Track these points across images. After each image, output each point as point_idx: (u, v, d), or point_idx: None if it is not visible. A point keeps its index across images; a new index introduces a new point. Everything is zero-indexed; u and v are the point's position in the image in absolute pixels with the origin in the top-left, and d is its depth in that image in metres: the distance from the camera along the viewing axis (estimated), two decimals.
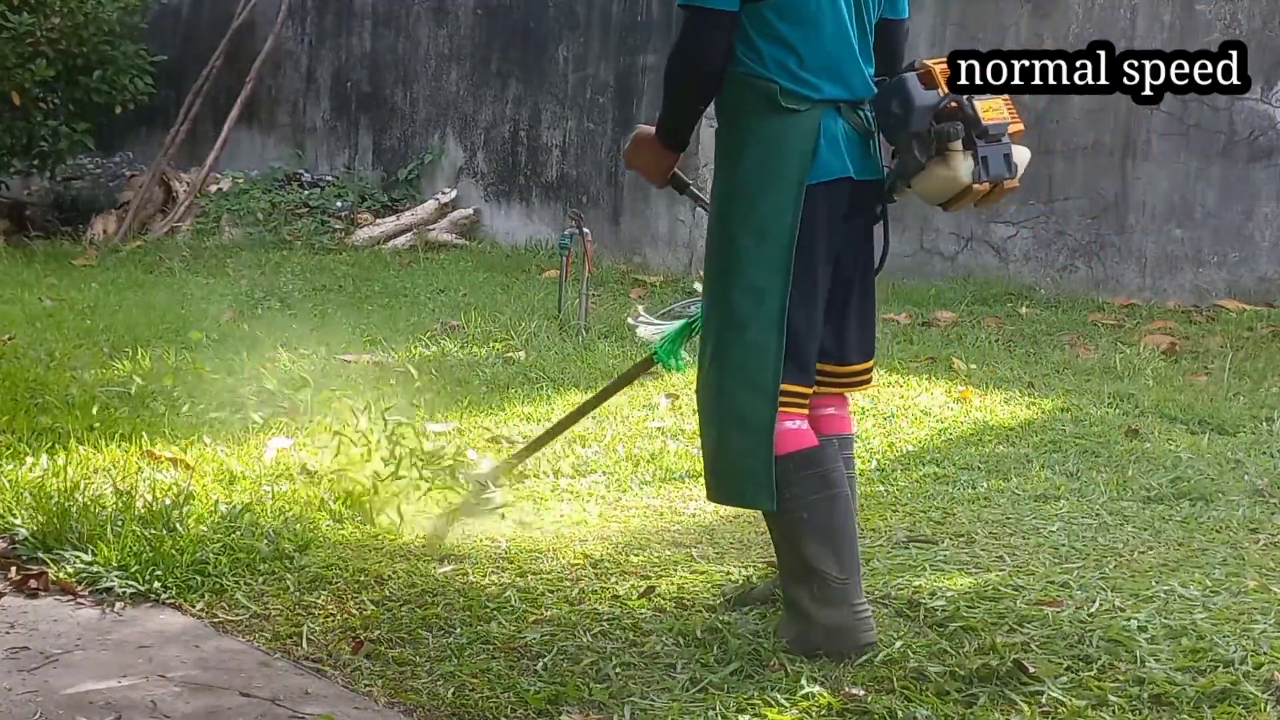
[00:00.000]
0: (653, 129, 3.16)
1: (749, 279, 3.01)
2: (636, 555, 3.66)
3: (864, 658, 2.96)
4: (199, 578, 3.44)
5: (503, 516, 3.97)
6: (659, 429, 4.98)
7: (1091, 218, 8.05)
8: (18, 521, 3.74)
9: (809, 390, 3.08)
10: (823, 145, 2.99)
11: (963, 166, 2.99)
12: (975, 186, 3.00)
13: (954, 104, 2.98)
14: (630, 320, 3.87)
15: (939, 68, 3.02)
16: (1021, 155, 3.07)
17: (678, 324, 3.61)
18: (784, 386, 3.00)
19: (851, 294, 3.15)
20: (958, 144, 2.96)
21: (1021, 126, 3.09)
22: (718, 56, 2.97)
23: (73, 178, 11.52)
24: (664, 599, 3.33)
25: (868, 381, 3.27)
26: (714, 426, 3.08)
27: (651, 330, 3.68)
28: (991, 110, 3.01)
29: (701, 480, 4.37)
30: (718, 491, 3.14)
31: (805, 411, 3.08)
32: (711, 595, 3.36)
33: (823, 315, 3.08)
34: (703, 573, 3.52)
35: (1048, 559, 3.67)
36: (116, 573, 3.41)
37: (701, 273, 3.18)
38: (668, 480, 4.45)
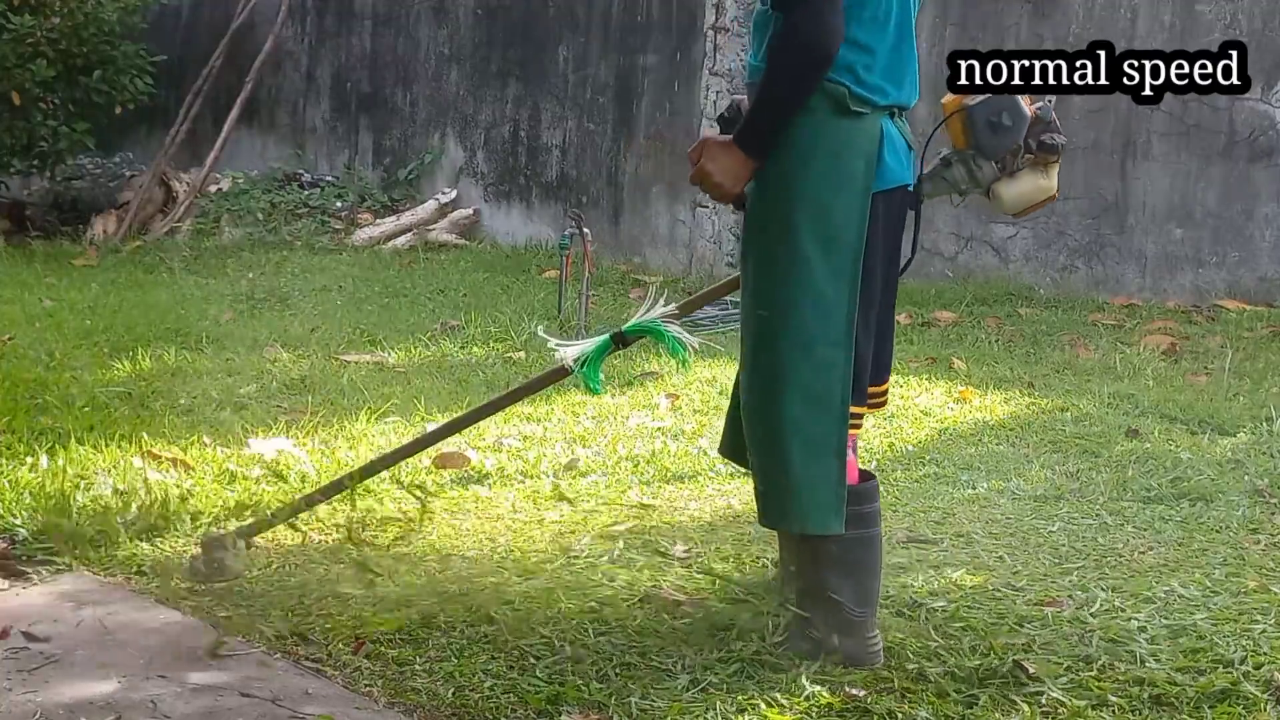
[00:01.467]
0: (727, 138, 2.93)
1: (818, 291, 2.86)
2: (636, 555, 3.66)
3: None
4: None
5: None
6: (659, 429, 4.98)
7: (1092, 218, 8.05)
8: (18, 521, 3.74)
9: (863, 411, 3.03)
10: (886, 151, 2.92)
11: (1055, 176, 3.07)
12: (1055, 195, 3.10)
13: (1048, 117, 3.06)
14: (550, 344, 3.75)
15: None
16: None
17: (597, 341, 3.49)
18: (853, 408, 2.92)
19: (885, 308, 3.08)
20: (1057, 155, 3.04)
21: None
22: (836, 42, 2.79)
23: (73, 178, 11.51)
24: (664, 599, 3.33)
25: (884, 403, 3.22)
26: (774, 449, 2.92)
27: (568, 351, 3.52)
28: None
29: (700, 480, 4.40)
30: (777, 517, 2.99)
31: (855, 435, 3.03)
32: (712, 595, 3.36)
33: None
34: (703, 573, 3.52)
35: (1048, 559, 3.67)
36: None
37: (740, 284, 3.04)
38: (668, 480, 4.44)
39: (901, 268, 3.13)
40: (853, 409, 2.93)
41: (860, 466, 3.12)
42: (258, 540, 3.70)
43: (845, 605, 2.96)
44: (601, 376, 3.57)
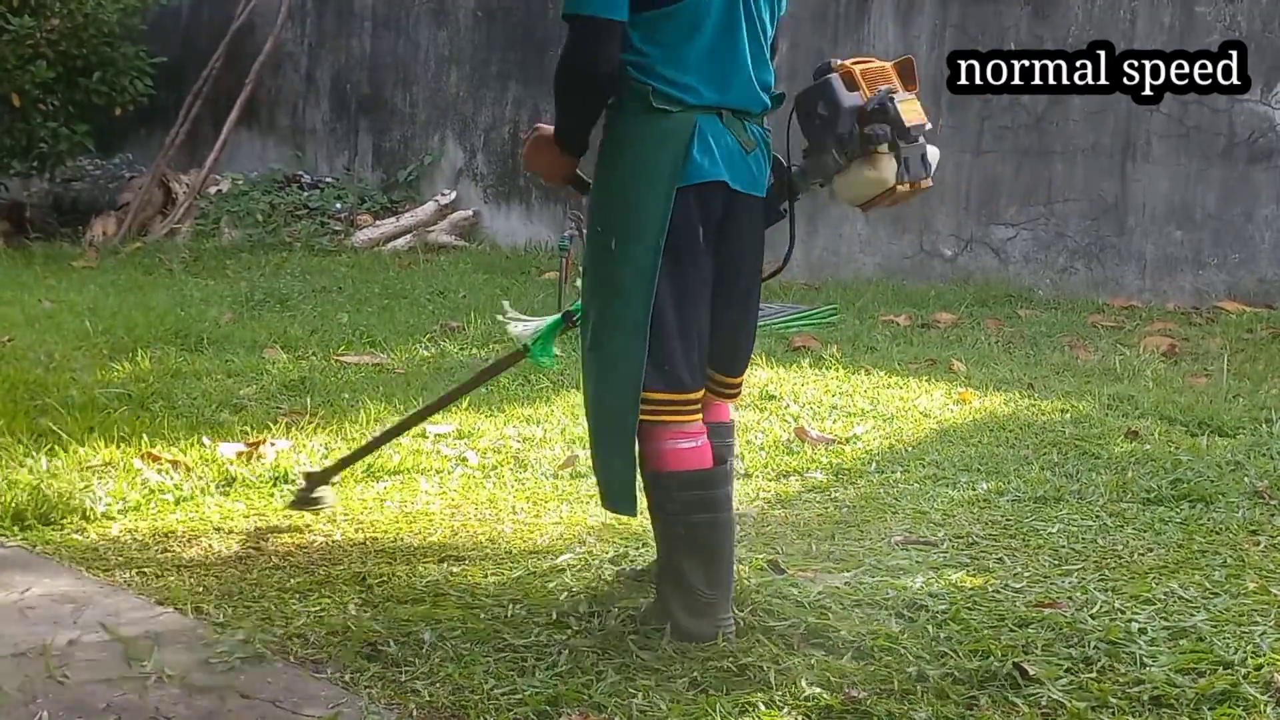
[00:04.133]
0: (553, 129, 3.13)
1: (619, 281, 3.01)
2: (637, 556, 3.66)
3: (864, 660, 2.97)
4: (200, 579, 3.45)
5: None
6: None
7: (1091, 219, 8.05)
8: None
9: (686, 397, 3.07)
10: (695, 148, 2.98)
11: (888, 168, 3.02)
12: (899, 188, 3.03)
13: (877, 106, 3.00)
14: (500, 317, 3.88)
15: (859, 69, 3.04)
16: (934, 154, 3.09)
17: (549, 320, 3.64)
18: (650, 394, 3.01)
19: (746, 307, 3.19)
20: (885, 146, 3.00)
21: (929, 125, 3.11)
22: (607, 65, 2.95)
23: (72, 179, 11.52)
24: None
25: (737, 394, 3.33)
26: (591, 426, 3.14)
27: (522, 328, 3.69)
28: (911, 112, 3.02)
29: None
30: (600, 494, 3.18)
31: (692, 422, 3.08)
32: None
33: (706, 322, 3.09)
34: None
35: (1048, 561, 3.67)
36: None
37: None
38: None
39: (781, 265, 3.22)
40: (669, 395, 3.02)
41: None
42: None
43: (696, 588, 3.05)
44: (556, 353, 3.72)
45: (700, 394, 3.10)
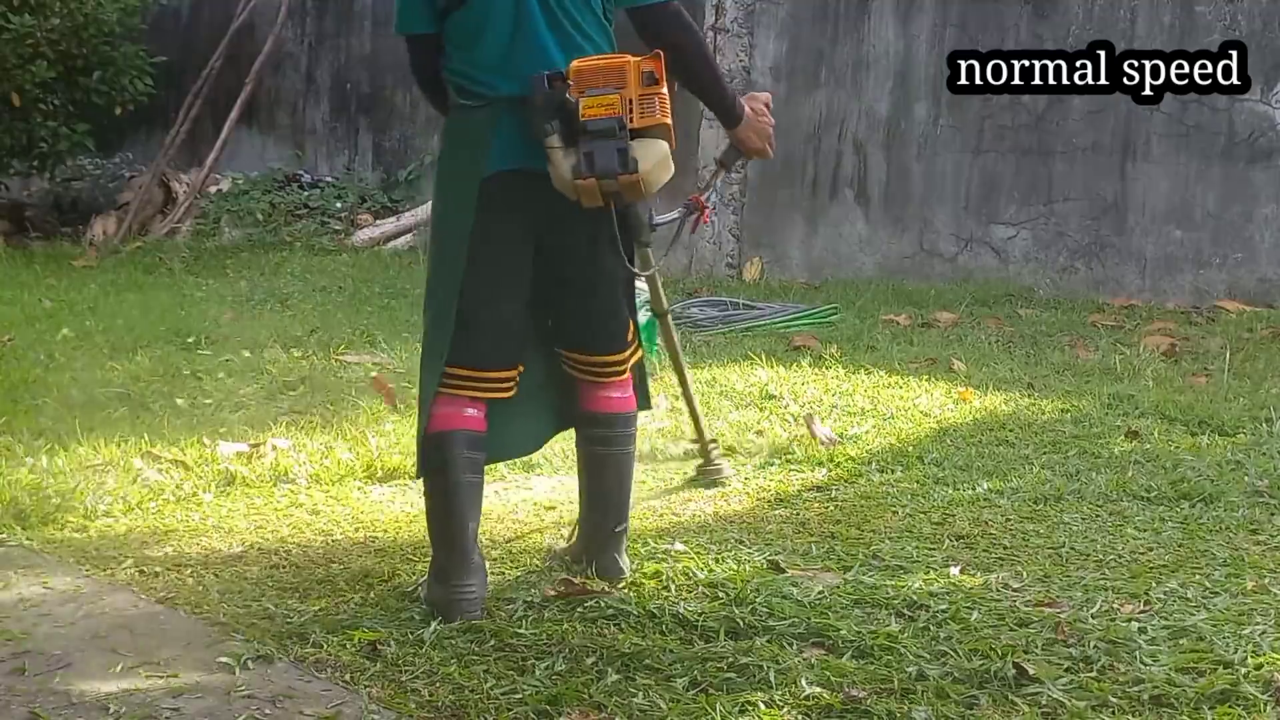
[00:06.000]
0: None
1: (435, 265, 3.30)
2: (635, 555, 3.66)
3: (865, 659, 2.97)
4: (200, 578, 3.45)
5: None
6: (658, 430, 4.97)
7: (1091, 219, 8.05)
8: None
9: (487, 375, 3.26)
10: (498, 139, 3.17)
11: (564, 163, 3.11)
12: (579, 183, 3.09)
13: (547, 102, 3.09)
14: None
15: (580, 65, 3.10)
16: (648, 150, 3.12)
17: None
18: (450, 369, 3.23)
19: (590, 290, 3.33)
20: (554, 140, 3.10)
21: (656, 121, 3.12)
22: (421, 73, 3.38)
23: (72, 179, 11.51)
24: (663, 599, 3.32)
25: (620, 373, 3.42)
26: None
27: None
28: (595, 107, 3.07)
29: (695, 479, 4.40)
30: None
31: (473, 397, 3.26)
32: (710, 595, 3.35)
33: (518, 306, 3.27)
34: (702, 573, 3.51)
35: (1047, 560, 3.67)
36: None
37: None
38: (666, 480, 4.44)
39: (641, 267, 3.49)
40: (466, 370, 3.24)
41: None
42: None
43: (437, 553, 3.26)
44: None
45: (505, 373, 3.28)
